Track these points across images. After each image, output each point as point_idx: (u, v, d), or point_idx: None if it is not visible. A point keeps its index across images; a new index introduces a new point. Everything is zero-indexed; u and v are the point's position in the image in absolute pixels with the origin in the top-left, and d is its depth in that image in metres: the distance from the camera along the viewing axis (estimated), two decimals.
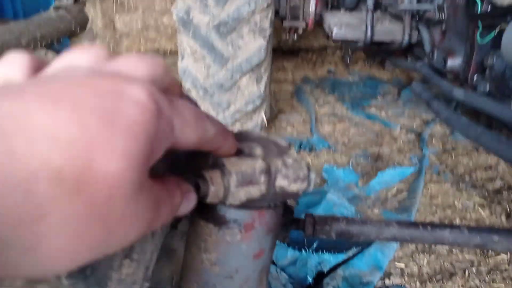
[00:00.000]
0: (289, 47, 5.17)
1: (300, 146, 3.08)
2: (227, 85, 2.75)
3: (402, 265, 2.06)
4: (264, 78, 2.82)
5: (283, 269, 1.92)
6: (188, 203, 0.31)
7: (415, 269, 2.05)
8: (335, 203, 2.37)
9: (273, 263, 1.84)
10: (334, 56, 5.19)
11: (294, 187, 0.36)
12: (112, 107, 0.22)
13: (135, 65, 0.27)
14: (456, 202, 2.54)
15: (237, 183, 0.33)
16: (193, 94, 2.85)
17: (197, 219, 0.38)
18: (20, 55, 0.27)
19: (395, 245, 2.09)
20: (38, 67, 0.27)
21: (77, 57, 0.27)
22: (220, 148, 0.33)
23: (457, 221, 2.38)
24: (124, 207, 0.22)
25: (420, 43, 2.56)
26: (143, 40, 5.55)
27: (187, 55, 2.74)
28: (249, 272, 0.39)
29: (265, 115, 3.01)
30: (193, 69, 2.76)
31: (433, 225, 0.84)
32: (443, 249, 2.12)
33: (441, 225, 0.84)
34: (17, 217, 0.19)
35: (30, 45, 4.37)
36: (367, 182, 2.69)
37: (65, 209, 0.20)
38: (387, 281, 1.97)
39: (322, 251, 1.95)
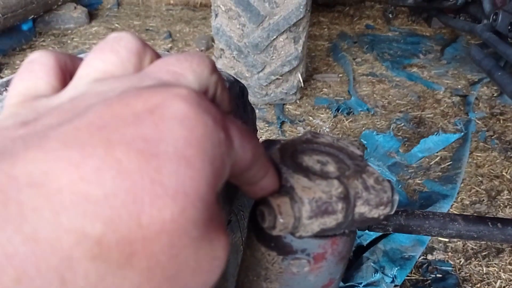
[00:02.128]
0: (325, 0, 4.90)
1: (337, 109, 2.95)
2: (263, 45, 2.62)
3: (445, 239, 1.97)
4: (302, 38, 2.66)
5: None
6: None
7: (460, 244, 1.96)
8: None
9: None
10: (372, 10, 4.91)
11: (376, 213, 0.31)
12: (153, 133, 0.18)
13: (177, 69, 0.22)
14: (504, 172, 2.41)
15: (311, 214, 0.28)
16: (227, 54, 2.73)
17: (257, 244, 0.33)
18: (44, 58, 0.24)
19: None
20: (66, 69, 0.24)
21: (105, 62, 0.23)
22: (262, 180, 0.28)
23: (505, 193, 2.25)
24: (198, 254, 0.19)
25: (477, 2, 2.32)
26: None
27: (221, 13, 2.60)
28: None
29: (301, 76, 2.88)
30: (227, 28, 2.62)
31: (504, 221, 0.76)
32: None
33: None
34: None
35: (59, 0, 4.31)
36: (409, 149, 2.57)
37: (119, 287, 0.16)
38: (429, 257, 1.90)
39: None
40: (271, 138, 2.83)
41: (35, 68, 0.24)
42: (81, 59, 0.25)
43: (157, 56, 0.25)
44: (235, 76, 2.73)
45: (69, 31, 4.31)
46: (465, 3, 2.53)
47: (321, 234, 0.30)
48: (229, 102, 0.27)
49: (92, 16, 4.68)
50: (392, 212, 0.32)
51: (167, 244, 0.17)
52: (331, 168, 0.32)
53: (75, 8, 4.47)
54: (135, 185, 0.16)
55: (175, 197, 0.17)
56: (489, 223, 0.75)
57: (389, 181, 0.32)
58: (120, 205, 0.16)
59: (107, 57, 0.23)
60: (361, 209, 0.30)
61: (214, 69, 0.24)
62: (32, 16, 4.00)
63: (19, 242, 0.15)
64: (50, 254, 0.15)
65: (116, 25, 4.58)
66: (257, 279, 0.34)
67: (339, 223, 0.29)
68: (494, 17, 1.86)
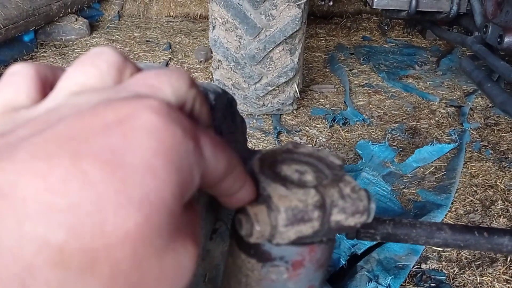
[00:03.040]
0: (323, 12, 4.97)
1: (333, 119, 2.99)
2: (259, 56, 2.66)
3: (439, 249, 1.99)
4: (298, 49, 2.71)
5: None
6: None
7: (454, 253, 1.98)
8: (370, 181, 2.29)
9: None
10: (369, 22, 4.97)
11: (352, 221, 0.31)
12: (121, 144, 0.18)
13: (154, 83, 0.22)
14: (498, 182, 2.43)
15: (286, 222, 0.29)
16: (224, 66, 2.77)
17: (237, 251, 0.33)
18: (25, 71, 0.24)
19: None
20: (46, 81, 0.25)
21: (85, 75, 0.23)
22: (239, 192, 0.28)
23: (499, 203, 2.28)
24: (162, 263, 0.19)
25: (469, 14, 2.36)
26: (173, 4, 5.47)
27: (218, 25, 2.65)
28: None
29: (297, 87, 2.92)
30: (224, 39, 2.67)
31: (490, 231, 0.77)
32: None
33: (500, 231, 0.76)
34: None
35: (61, 11, 4.36)
36: (404, 159, 2.60)
37: None
38: (423, 266, 1.91)
39: None
40: (267, 147, 2.88)
41: (15, 80, 0.24)
42: (62, 70, 0.26)
43: (138, 70, 0.25)
44: (231, 87, 2.75)
45: (70, 42, 4.36)
46: (457, 16, 2.58)
47: (299, 242, 0.31)
48: (208, 116, 0.27)
49: (93, 27, 4.74)
50: (369, 221, 0.32)
51: (130, 252, 0.17)
52: (309, 177, 0.32)
53: (76, 19, 4.53)
54: (99, 196, 0.17)
55: (139, 207, 0.17)
56: (476, 232, 0.76)
57: (365, 190, 0.32)
58: (83, 214, 0.17)
59: (87, 70, 0.23)
60: (337, 217, 0.30)
61: (192, 84, 0.25)
62: (34, 27, 4.05)
63: None
64: (11, 262, 0.15)
65: (117, 36, 4.63)
66: (238, 285, 0.34)
67: (315, 231, 0.30)
68: (484, 29, 1.90)
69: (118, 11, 5.32)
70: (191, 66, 3.89)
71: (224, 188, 0.26)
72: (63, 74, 0.24)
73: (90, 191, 0.17)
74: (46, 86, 0.24)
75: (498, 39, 1.75)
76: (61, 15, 4.40)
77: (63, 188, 0.17)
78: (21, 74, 0.24)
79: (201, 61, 3.94)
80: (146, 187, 0.18)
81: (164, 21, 5.27)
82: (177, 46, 4.41)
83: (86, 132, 0.18)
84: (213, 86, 0.68)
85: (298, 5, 2.53)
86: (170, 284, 0.20)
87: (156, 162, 0.18)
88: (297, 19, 2.55)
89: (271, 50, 2.64)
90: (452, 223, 0.68)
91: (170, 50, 4.27)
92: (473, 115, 3.11)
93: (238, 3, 2.53)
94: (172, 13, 5.45)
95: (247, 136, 0.84)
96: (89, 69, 0.23)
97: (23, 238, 0.16)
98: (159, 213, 0.18)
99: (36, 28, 4.14)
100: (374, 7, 2.62)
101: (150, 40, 4.56)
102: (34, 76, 0.24)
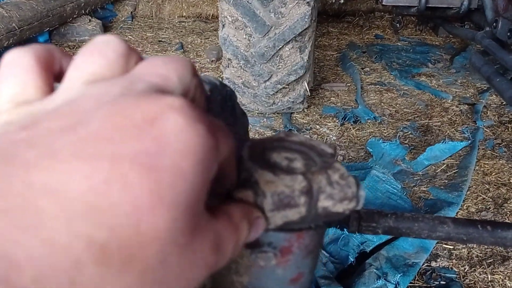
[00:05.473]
0: (335, 10, 4.95)
1: (344, 118, 2.97)
2: (269, 54, 2.66)
3: (450, 246, 1.97)
4: (308, 47, 2.70)
5: (323, 247, 1.88)
6: (257, 231, 0.29)
7: (465, 251, 1.95)
8: (380, 179, 2.28)
9: None
10: (382, 20, 4.93)
11: (340, 207, 0.31)
12: (153, 147, 0.19)
13: (164, 72, 0.23)
14: (511, 180, 2.39)
15: (272, 207, 0.29)
16: (234, 64, 2.78)
17: None
18: (25, 60, 0.24)
19: None
20: (47, 67, 0.24)
21: (95, 65, 0.23)
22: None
23: None
24: (181, 261, 0.20)
25: (480, 9, 2.34)
26: (185, 5, 5.51)
27: (228, 23, 2.65)
28: None
29: (308, 85, 2.91)
30: (234, 38, 2.67)
31: (494, 224, 0.76)
32: None
33: (504, 224, 0.75)
34: None
35: (75, 12, 4.43)
36: (415, 157, 2.57)
37: None
38: (433, 263, 1.89)
39: None
40: None
41: (17, 72, 0.24)
42: (59, 50, 0.27)
43: (141, 58, 0.26)
44: (241, 86, 2.76)
45: (84, 43, 4.38)
46: (468, 11, 2.55)
47: (286, 228, 0.31)
48: (205, 104, 0.28)
49: (106, 28, 4.80)
50: (359, 208, 0.32)
51: (158, 249, 0.19)
52: (298, 164, 0.33)
53: (90, 20, 4.59)
54: (136, 197, 0.18)
55: (169, 207, 0.19)
56: (479, 225, 0.75)
57: (354, 177, 0.33)
58: (123, 214, 0.18)
59: (96, 59, 0.24)
60: (324, 203, 0.30)
61: (195, 72, 0.26)
62: (48, 28, 4.12)
63: (38, 245, 0.16)
64: (63, 257, 0.16)
65: (130, 37, 4.68)
66: (228, 272, 0.35)
67: (302, 216, 0.30)
68: (494, 24, 1.88)
69: (131, 12, 5.37)
70: (203, 65, 3.91)
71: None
72: (70, 63, 0.24)
73: (128, 192, 0.18)
74: (49, 73, 0.25)
75: (508, 34, 1.72)
76: (75, 16, 4.46)
77: (106, 189, 0.18)
78: (23, 64, 0.24)
79: (212, 61, 3.96)
80: (176, 189, 0.19)
81: (176, 21, 5.31)
82: (189, 46, 4.44)
83: (120, 133, 0.19)
84: (209, 78, 0.69)
85: (308, 2, 2.53)
86: (187, 281, 0.21)
87: (185, 165, 0.19)
88: (307, 17, 2.54)
89: (280, 48, 2.64)
90: (455, 217, 0.67)
91: (182, 50, 4.30)
92: (487, 112, 3.07)
93: (247, 1, 2.53)
94: (185, 14, 5.49)
95: (249, 130, 0.85)
96: (98, 59, 0.24)
97: (73, 235, 0.17)
98: (185, 213, 0.19)
99: (51, 29, 4.20)
100: (383, 3, 2.60)
101: (163, 40, 4.60)
102: (35, 64, 0.24)
